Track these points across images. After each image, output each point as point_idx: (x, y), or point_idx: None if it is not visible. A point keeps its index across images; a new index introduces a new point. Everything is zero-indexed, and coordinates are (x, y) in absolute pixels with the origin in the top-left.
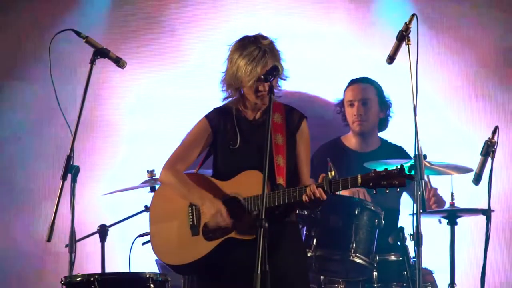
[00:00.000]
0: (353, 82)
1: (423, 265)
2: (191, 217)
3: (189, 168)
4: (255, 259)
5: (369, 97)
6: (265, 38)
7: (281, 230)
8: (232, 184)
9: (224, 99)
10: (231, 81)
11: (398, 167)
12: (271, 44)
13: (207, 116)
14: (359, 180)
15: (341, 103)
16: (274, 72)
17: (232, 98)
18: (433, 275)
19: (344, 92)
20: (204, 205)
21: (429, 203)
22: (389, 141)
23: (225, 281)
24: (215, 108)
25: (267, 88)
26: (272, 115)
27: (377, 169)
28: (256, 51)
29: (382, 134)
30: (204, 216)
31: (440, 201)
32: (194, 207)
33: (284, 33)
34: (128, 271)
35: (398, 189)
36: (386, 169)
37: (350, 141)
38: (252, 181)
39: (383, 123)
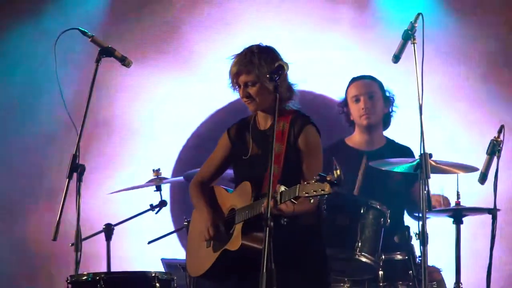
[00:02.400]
0: (355, 79)
1: (430, 263)
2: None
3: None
4: (247, 269)
5: (374, 90)
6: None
7: (287, 236)
8: (232, 196)
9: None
10: None
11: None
12: (247, 50)
13: (228, 129)
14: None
15: (344, 102)
16: (280, 71)
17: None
18: (441, 272)
19: (347, 90)
20: (202, 219)
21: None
22: (396, 141)
23: None
24: (239, 120)
25: (243, 93)
26: (278, 124)
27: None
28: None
29: (388, 134)
30: None
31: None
32: None
33: (289, 33)
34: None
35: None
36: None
37: (355, 140)
38: (245, 192)
39: (386, 120)
